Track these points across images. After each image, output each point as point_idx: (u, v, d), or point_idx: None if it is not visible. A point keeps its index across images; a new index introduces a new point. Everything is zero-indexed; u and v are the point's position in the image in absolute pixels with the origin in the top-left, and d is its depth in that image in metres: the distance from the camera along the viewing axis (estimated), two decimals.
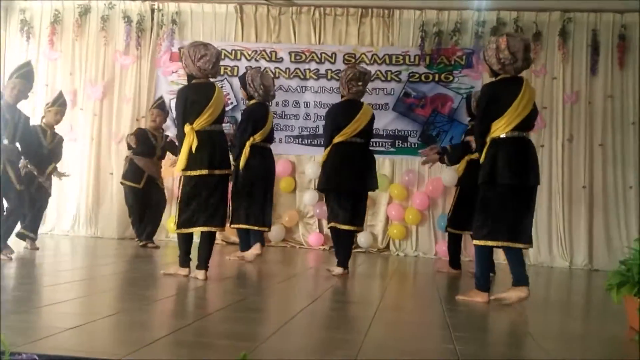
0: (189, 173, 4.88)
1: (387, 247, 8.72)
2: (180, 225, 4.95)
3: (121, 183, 7.85)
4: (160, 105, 7.87)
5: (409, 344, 3.16)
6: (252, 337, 3.01)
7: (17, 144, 5.98)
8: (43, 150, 6.71)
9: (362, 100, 5.92)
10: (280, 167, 8.78)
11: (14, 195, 5.77)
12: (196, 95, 4.91)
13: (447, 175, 8.36)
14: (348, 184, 5.74)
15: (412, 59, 8.90)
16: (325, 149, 5.90)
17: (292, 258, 7.69)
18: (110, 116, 9.13)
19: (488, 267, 4.57)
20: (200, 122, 4.87)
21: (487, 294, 4.50)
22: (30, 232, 6.68)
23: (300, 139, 9.02)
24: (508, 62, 4.39)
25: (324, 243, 8.73)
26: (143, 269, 5.94)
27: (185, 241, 5.01)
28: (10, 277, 4.75)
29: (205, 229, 4.95)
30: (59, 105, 6.93)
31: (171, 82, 9.20)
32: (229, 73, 9.15)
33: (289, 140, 8.98)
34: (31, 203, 6.60)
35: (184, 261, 5.03)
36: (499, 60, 4.39)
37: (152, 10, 9.27)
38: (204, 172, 4.86)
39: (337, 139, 5.72)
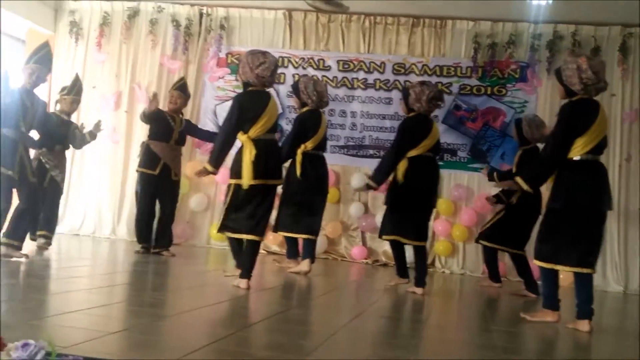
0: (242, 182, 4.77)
1: (433, 263, 8.46)
2: (222, 228, 4.87)
3: (137, 171, 7.28)
4: (181, 87, 7.28)
5: None
6: (295, 349, 2.92)
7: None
8: (61, 139, 6.34)
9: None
10: None
11: (28, 190, 5.34)
12: (252, 103, 4.84)
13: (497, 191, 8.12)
14: (427, 199, 5.64)
15: (463, 71, 8.68)
16: (386, 162, 5.70)
17: (334, 271, 7.51)
18: None
19: (555, 285, 4.41)
20: (255, 131, 4.79)
21: (557, 312, 4.38)
22: (47, 231, 6.29)
23: (346, 150, 8.85)
24: (591, 83, 4.29)
25: (368, 257, 8.53)
26: (184, 275, 5.83)
27: (236, 245, 4.98)
28: (46, 278, 4.68)
29: (249, 237, 4.81)
30: (75, 93, 6.52)
31: (218, 87, 9.12)
32: (276, 80, 9.00)
33: (334, 150, 8.80)
34: (44, 199, 6.12)
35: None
36: (582, 81, 4.28)
37: (201, 15, 9.21)
38: (258, 182, 4.75)
39: (412, 153, 5.57)
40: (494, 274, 6.52)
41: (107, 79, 9.29)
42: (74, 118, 7.09)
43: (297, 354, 2.75)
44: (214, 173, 4.94)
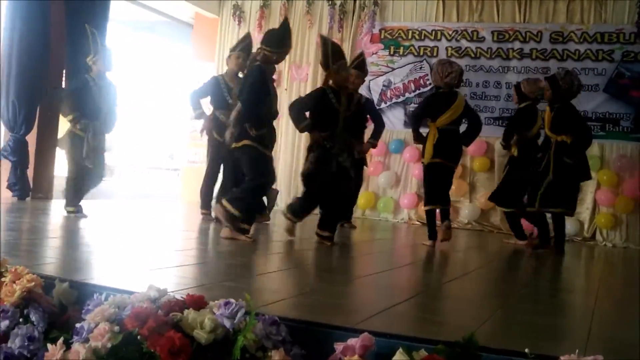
0: (425, 162, 5.99)
1: (594, 236, 8.24)
2: (425, 203, 6.19)
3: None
4: (359, 65, 6.52)
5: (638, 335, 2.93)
6: (472, 316, 2.97)
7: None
8: (228, 105, 6.36)
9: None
10: (475, 146, 8.63)
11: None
12: (437, 103, 6.01)
13: None
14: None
15: (626, 37, 8.31)
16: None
17: (489, 243, 7.49)
18: None
19: None
20: (440, 122, 5.90)
21: None
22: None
23: (500, 121, 8.76)
24: None
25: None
26: (359, 244, 6.12)
27: (429, 217, 6.09)
28: (232, 244, 5.09)
29: (431, 207, 6.06)
30: (240, 49, 6.49)
31: (372, 63, 9.27)
32: (429, 54, 9.10)
33: (489, 122, 8.75)
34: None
35: (432, 234, 6.01)
36: None
37: None
38: (437, 160, 5.89)
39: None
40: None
41: None
42: None
43: (474, 321, 2.75)
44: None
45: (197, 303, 2.26)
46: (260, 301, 2.59)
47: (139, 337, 2.07)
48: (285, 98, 9.62)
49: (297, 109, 5.35)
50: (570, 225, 8.11)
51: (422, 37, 9.16)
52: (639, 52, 8.22)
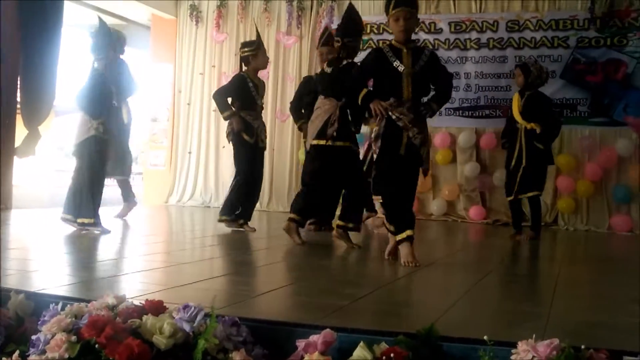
0: None
1: (555, 221, 8.37)
2: None
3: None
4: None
5: (598, 317, 2.98)
6: (433, 306, 2.99)
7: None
8: (256, 105, 6.22)
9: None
10: (439, 139, 8.70)
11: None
12: None
13: (622, 144, 7.93)
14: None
15: (580, 23, 8.43)
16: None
17: (454, 232, 7.56)
18: (275, 95, 9.41)
19: None
20: None
21: None
22: (248, 218, 6.25)
23: (460, 111, 8.85)
24: None
25: (487, 217, 8.54)
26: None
27: None
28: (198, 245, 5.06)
29: None
30: (263, 47, 6.26)
31: None
32: None
33: (449, 112, 8.82)
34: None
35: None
36: None
37: None
38: None
39: None
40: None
41: (226, 58, 9.73)
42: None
43: (436, 311, 2.79)
44: None
45: (156, 308, 2.23)
46: (220, 302, 2.57)
47: (97, 346, 2.04)
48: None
49: (358, 78, 4.47)
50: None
51: (381, 31, 9.19)
52: (593, 38, 8.35)
